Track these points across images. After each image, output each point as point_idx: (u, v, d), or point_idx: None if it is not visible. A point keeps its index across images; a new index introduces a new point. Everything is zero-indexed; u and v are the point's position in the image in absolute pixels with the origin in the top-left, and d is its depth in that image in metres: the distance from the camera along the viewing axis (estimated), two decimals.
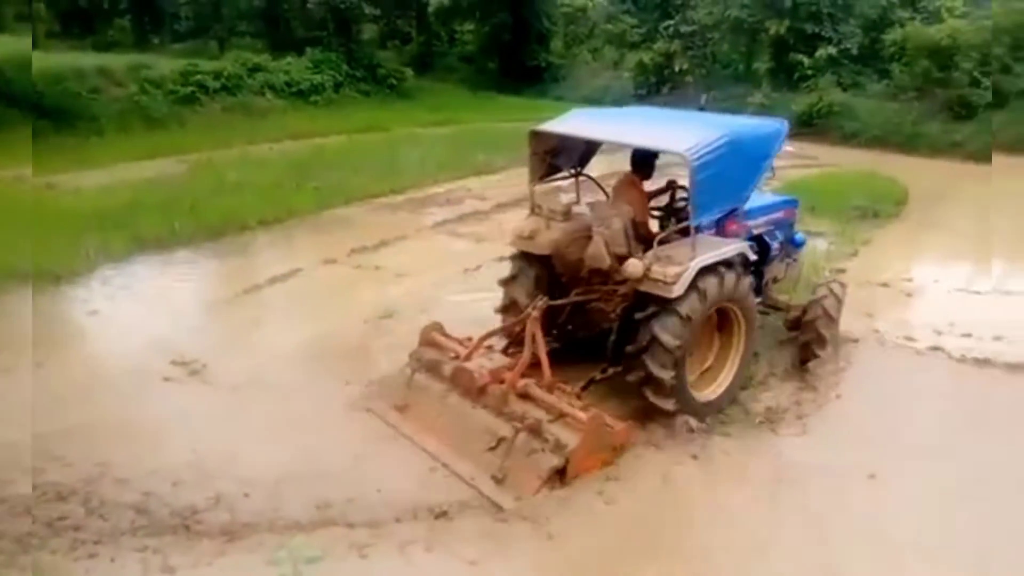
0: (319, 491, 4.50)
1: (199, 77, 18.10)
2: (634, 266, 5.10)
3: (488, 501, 4.48)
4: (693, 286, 5.03)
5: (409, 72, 24.46)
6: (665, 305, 5.03)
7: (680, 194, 6.11)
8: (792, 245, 6.67)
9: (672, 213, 6.08)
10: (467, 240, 9.89)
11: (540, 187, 6.11)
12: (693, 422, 5.26)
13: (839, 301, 6.42)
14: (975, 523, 4.40)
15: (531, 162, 6.00)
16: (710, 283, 5.14)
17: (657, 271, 5.04)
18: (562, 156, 6.17)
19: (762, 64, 23.18)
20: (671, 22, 24.62)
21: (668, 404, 5.22)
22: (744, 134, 5.54)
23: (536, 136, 5.89)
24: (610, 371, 5.58)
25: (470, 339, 5.63)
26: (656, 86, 24.18)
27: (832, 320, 6.35)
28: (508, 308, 5.98)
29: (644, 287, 5.10)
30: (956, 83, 18.51)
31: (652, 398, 5.22)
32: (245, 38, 27.18)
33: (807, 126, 18.64)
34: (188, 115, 16.85)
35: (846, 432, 5.42)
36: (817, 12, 21.09)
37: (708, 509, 4.65)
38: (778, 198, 6.91)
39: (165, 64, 18.41)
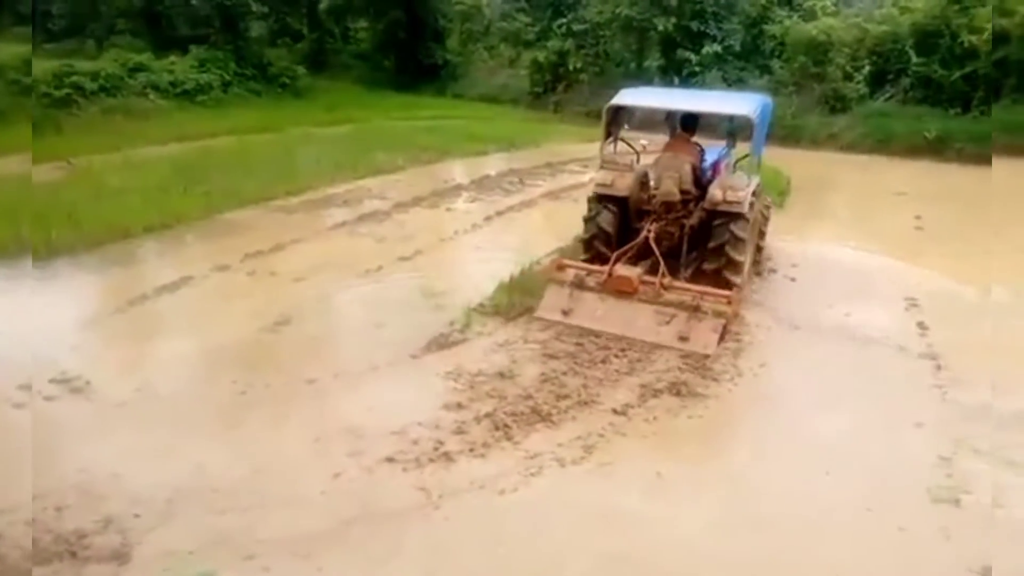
0: (216, 505, 4.36)
1: (75, 78, 17.06)
2: (716, 195, 7.37)
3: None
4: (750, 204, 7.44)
5: (302, 70, 23.87)
6: (737, 217, 7.32)
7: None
8: None
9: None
10: (367, 240, 9.74)
11: None
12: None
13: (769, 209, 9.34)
14: None
15: (604, 129, 8.07)
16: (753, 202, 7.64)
17: (731, 196, 7.31)
18: (614, 124, 8.20)
19: (653, 61, 23.84)
20: (564, 20, 24.97)
21: (738, 279, 7.42)
22: (762, 103, 8.20)
23: (609, 109, 7.98)
24: (688, 271, 7.72)
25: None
26: (552, 84, 24.48)
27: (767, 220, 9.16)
28: (593, 238, 7.94)
29: (722, 207, 7.34)
30: (831, 77, 19.60)
31: (729, 276, 7.35)
32: (125, 37, 25.78)
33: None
34: (64, 118, 15.84)
35: None
36: (702, 10, 21.89)
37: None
38: (725, 149, 8.99)
39: (37, 65, 17.27)
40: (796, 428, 5.54)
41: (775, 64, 20.71)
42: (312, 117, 18.83)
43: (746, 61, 20.85)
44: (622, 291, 7.13)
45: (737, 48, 21.71)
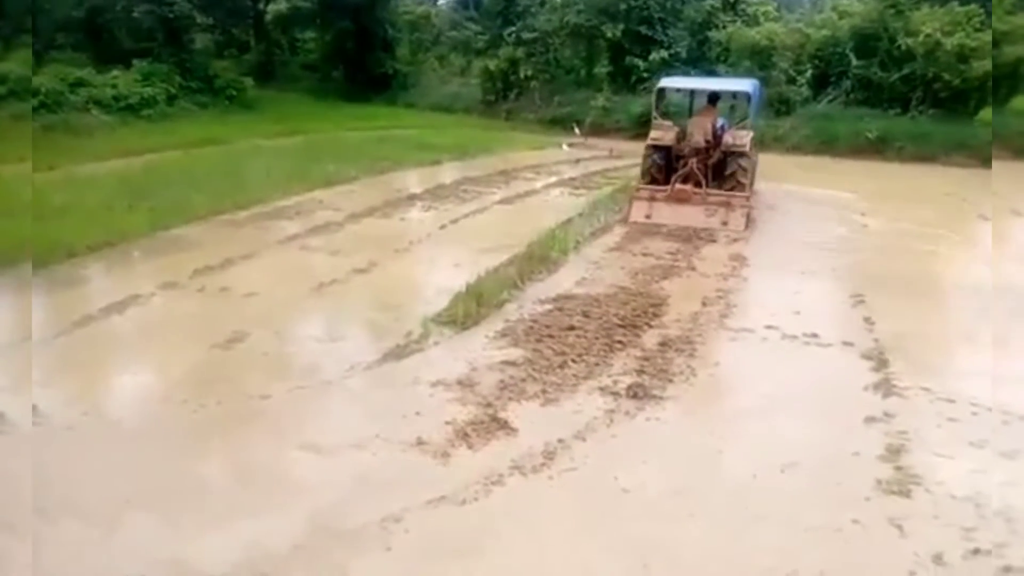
0: (170, 527, 4.25)
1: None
2: (728, 140, 11.81)
3: None
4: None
5: (249, 82, 23.60)
6: (742, 154, 11.72)
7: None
8: None
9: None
10: (320, 254, 9.64)
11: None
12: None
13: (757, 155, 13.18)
14: None
15: (656, 103, 12.79)
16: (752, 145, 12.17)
17: (738, 140, 11.83)
18: (659, 100, 12.94)
19: (602, 68, 24.11)
20: (513, 29, 25.10)
21: (746, 184, 11.75)
22: (755, 83, 13.42)
23: (656, 90, 12.97)
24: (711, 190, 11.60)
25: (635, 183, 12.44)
26: (503, 92, 24.58)
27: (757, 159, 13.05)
28: (650, 174, 12.14)
29: (733, 148, 11.71)
30: (775, 81, 20.05)
31: (741, 179, 11.63)
32: (65, 51, 25.14)
33: (646, 126, 19.47)
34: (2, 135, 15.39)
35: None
36: (649, 16, 22.22)
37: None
38: (730, 116, 13.65)
39: None
40: (749, 427, 5.61)
41: (721, 69, 21.11)
42: (261, 129, 18.60)
43: (693, 67, 21.20)
44: (681, 199, 11.30)
45: (684, 54, 22.07)
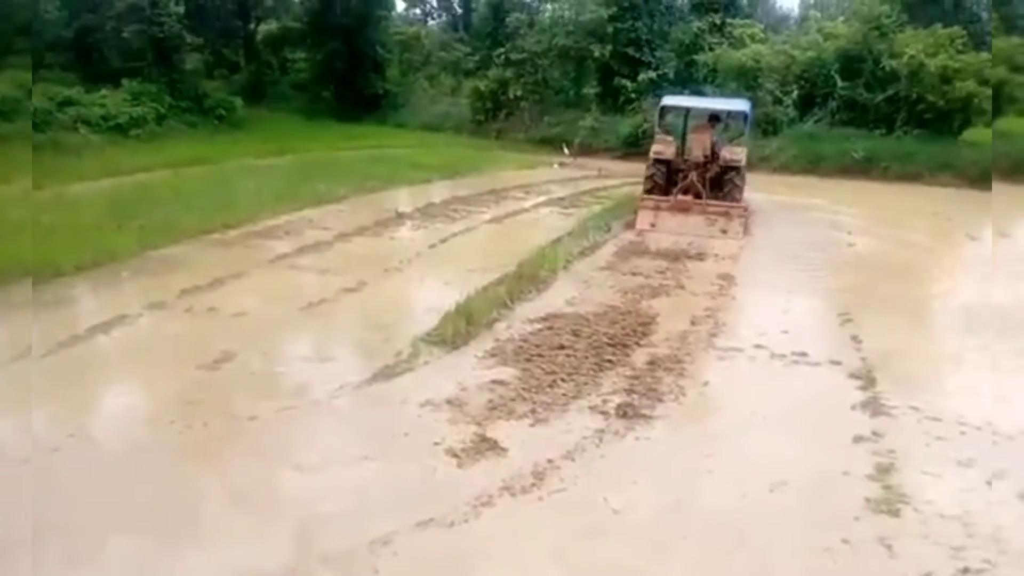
0: (156, 548, 4.20)
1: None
2: (725, 155, 12.68)
3: None
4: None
5: (239, 102, 23.66)
6: (738, 168, 12.64)
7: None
8: None
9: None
10: (310, 273, 9.61)
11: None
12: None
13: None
14: None
15: (659, 120, 14.00)
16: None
17: (735, 155, 12.73)
18: (661, 117, 14.06)
19: (591, 89, 24.30)
20: (503, 50, 25.29)
21: (740, 197, 12.68)
22: (749, 103, 14.64)
23: (660, 107, 14.02)
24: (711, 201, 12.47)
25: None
26: (493, 112, 24.73)
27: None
28: (652, 185, 12.95)
29: (730, 163, 12.60)
30: (761, 102, 20.26)
31: (736, 195, 12.50)
32: (54, 70, 25.16)
33: (634, 146, 19.67)
34: None
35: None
36: (636, 38, 22.45)
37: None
38: (725, 133, 14.44)
39: None
40: (739, 446, 5.61)
41: (708, 90, 21.33)
42: (250, 149, 18.61)
43: (681, 87, 21.40)
44: (682, 209, 12.21)
45: (671, 75, 22.28)
